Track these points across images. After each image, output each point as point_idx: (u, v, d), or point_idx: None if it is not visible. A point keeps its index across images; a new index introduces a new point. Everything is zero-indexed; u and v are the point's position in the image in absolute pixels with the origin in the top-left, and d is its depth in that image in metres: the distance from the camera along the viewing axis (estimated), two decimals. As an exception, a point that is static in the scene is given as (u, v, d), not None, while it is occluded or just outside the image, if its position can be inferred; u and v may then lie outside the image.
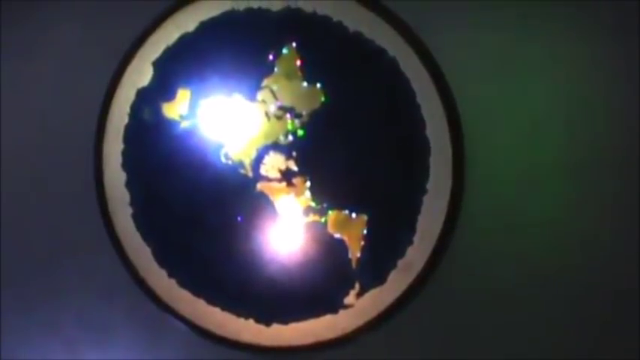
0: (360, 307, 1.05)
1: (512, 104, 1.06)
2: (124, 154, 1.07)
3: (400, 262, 1.04)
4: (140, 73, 1.07)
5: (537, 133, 1.05)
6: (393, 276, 1.04)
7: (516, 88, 1.06)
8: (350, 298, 1.05)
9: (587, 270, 1.05)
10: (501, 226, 1.05)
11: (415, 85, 1.04)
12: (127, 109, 1.07)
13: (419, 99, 1.04)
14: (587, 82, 1.05)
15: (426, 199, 1.04)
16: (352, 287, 1.05)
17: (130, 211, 1.07)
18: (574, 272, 1.05)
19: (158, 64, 1.06)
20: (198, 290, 1.06)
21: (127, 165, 1.07)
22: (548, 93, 1.05)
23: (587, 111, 1.05)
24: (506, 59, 1.06)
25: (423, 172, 1.04)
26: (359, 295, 1.05)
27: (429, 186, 1.04)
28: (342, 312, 1.05)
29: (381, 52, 1.04)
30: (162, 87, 1.06)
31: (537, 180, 1.05)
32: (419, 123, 1.04)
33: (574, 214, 1.05)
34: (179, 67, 1.06)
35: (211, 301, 1.06)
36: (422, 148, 1.04)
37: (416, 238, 1.04)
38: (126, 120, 1.07)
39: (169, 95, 1.06)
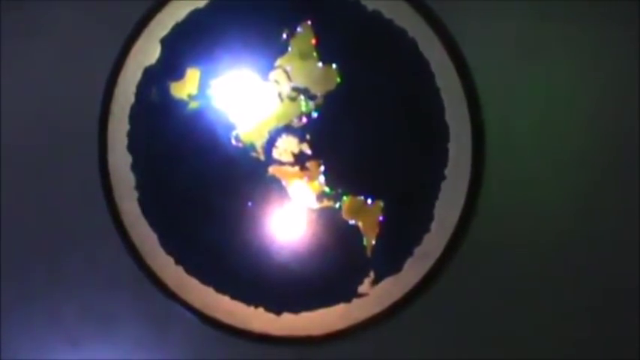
0: (374, 296, 1.02)
1: (535, 90, 1.03)
2: (130, 135, 1.03)
3: (417, 250, 1.01)
4: (147, 52, 1.02)
5: (560, 120, 1.02)
6: (409, 264, 1.01)
7: (539, 73, 1.03)
8: (364, 287, 1.02)
9: (612, 262, 1.02)
10: (521, 213, 1.02)
11: (435, 68, 1.00)
12: (133, 89, 1.02)
13: (438, 82, 1.00)
14: (614, 69, 1.02)
15: (444, 185, 1.01)
16: (367, 275, 1.02)
17: (135, 195, 1.03)
18: (599, 264, 1.02)
19: (166, 42, 1.02)
20: (206, 278, 1.03)
21: (132, 147, 1.03)
22: (572, 78, 1.02)
23: (613, 99, 1.02)
24: (528, 43, 1.03)
25: (442, 158, 1.01)
26: (374, 283, 1.02)
27: (447, 172, 1.01)
28: (355, 301, 1.02)
29: (401, 33, 1.01)
30: (170, 66, 1.02)
31: (559, 167, 1.02)
32: (438, 107, 1.00)
33: (597, 203, 1.02)
34: (188, 45, 1.02)
35: (220, 288, 1.03)
36: (441, 133, 1.01)
37: (433, 226, 1.01)
38: (132, 100, 1.02)
39: (178, 74, 1.02)
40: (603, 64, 1.02)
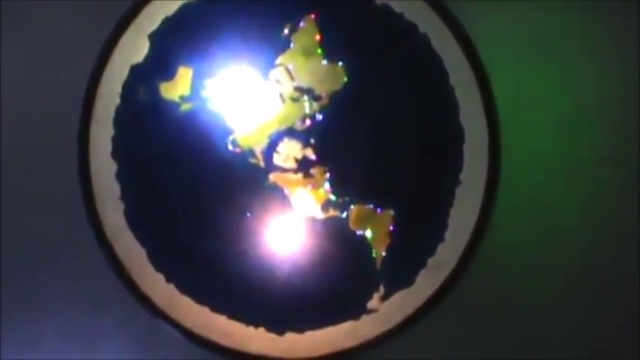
0: (384, 312, 0.95)
1: (553, 89, 0.98)
2: (115, 140, 0.94)
3: (430, 261, 0.95)
4: (134, 48, 0.94)
5: (581, 120, 0.98)
6: (422, 276, 0.95)
7: (557, 72, 0.98)
8: (374, 302, 0.95)
9: (631, 270, 0.98)
10: (540, 221, 0.98)
11: (448, 66, 0.94)
12: (119, 89, 0.94)
13: (452, 81, 0.95)
14: (636, 66, 0.98)
15: (459, 191, 0.95)
16: (376, 290, 0.95)
17: (121, 206, 0.94)
18: (618, 273, 0.98)
19: (155, 37, 0.94)
20: (201, 296, 0.95)
21: (118, 153, 0.94)
22: (592, 77, 0.98)
23: (635, 98, 0.98)
24: (546, 41, 0.98)
25: (457, 162, 0.95)
26: (384, 298, 0.95)
27: (462, 177, 0.95)
28: (364, 317, 0.95)
29: (412, 28, 0.94)
30: (160, 64, 0.94)
31: (581, 170, 0.98)
32: (452, 108, 0.95)
33: (619, 210, 0.98)
34: (180, 41, 0.94)
35: (216, 308, 0.95)
36: (455, 136, 0.95)
37: (448, 235, 0.95)
38: (117, 101, 0.94)
39: (168, 73, 0.94)
40: (631, 60, 0.98)
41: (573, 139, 0.99)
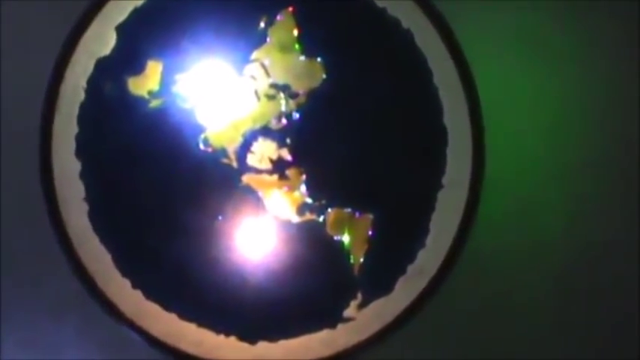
0: (362, 320, 0.92)
1: (539, 91, 0.95)
2: (79, 138, 0.90)
3: (410, 268, 0.92)
4: (100, 40, 0.89)
5: (567, 122, 0.95)
6: (401, 284, 0.92)
7: (544, 73, 0.95)
8: (351, 310, 0.92)
9: (617, 275, 0.95)
10: (525, 226, 0.95)
11: (432, 65, 0.91)
12: (84, 84, 0.89)
13: (436, 80, 0.91)
14: (625, 69, 0.95)
15: (441, 195, 0.92)
16: (353, 297, 0.92)
17: (85, 208, 0.90)
18: (602, 277, 0.95)
19: (123, 29, 0.89)
20: (169, 303, 0.91)
21: (82, 152, 0.90)
22: (580, 80, 0.95)
23: (623, 102, 0.95)
24: (534, 41, 0.95)
25: (439, 165, 0.91)
26: (361, 306, 0.92)
27: (445, 181, 0.91)
28: (341, 326, 0.92)
29: (395, 24, 0.90)
30: (127, 57, 0.90)
31: (565, 176, 0.95)
32: (436, 108, 0.91)
33: (604, 215, 0.95)
34: (149, 33, 0.90)
35: (186, 315, 0.91)
36: (438, 138, 0.91)
37: (429, 240, 0.92)
38: (82, 97, 0.89)
39: (137, 67, 0.90)
40: (619, 62, 0.95)
41: (559, 141, 0.96)
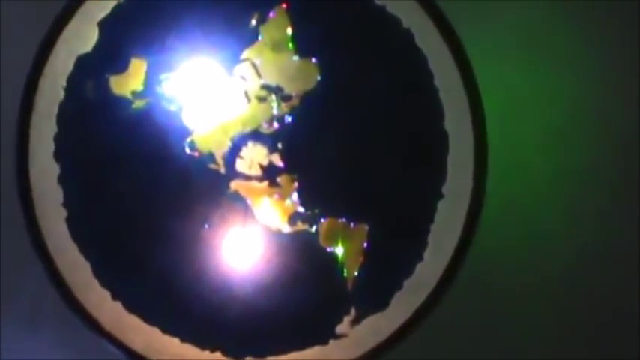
0: (355, 337, 0.87)
1: (545, 95, 0.91)
2: (58, 140, 0.85)
3: (407, 282, 0.87)
4: (81, 36, 0.85)
5: (572, 130, 0.91)
6: (397, 299, 0.87)
7: (549, 76, 0.91)
8: (343, 326, 0.87)
9: (623, 290, 0.91)
10: (528, 238, 0.91)
11: (433, 66, 0.86)
12: (63, 83, 0.85)
13: (437, 82, 0.86)
14: (634, 74, 0.91)
15: (441, 205, 0.87)
16: (347, 312, 0.87)
17: (63, 214, 0.86)
18: (609, 292, 0.91)
19: (105, 25, 0.85)
20: (151, 316, 0.86)
21: (60, 155, 0.86)
22: (586, 84, 0.91)
23: (631, 108, 0.91)
24: (538, 43, 0.91)
25: (440, 173, 0.87)
26: (354, 322, 0.87)
27: (445, 189, 0.87)
28: (332, 343, 0.87)
29: (394, 22, 0.86)
30: (110, 55, 0.85)
31: (571, 182, 0.91)
32: (436, 112, 0.86)
33: (611, 226, 0.91)
34: (133, 29, 0.85)
35: (168, 329, 0.86)
36: (439, 144, 0.87)
37: (427, 253, 0.87)
38: (61, 96, 0.85)
39: (119, 66, 0.85)
40: (629, 67, 0.91)
41: (566, 148, 0.92)
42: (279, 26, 0.86)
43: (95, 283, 0.86)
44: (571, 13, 0.92)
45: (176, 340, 0.86)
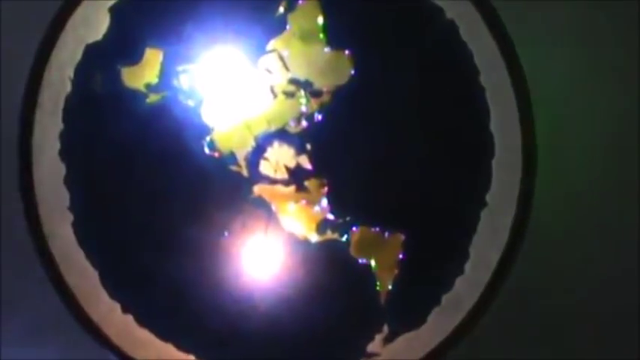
0: (388, 357, 0.84)
1: (600, 97, 0.87)
2: (64, 137, 0.82)
3: (445, 298, 0.83)
4: (90, 23, 0.81)
5: (630, 134, 0.87)
6: (434, 316, 0.83)
7: (605, 76, 0.87)
8: (375, 345, 0.84)
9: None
10: (578, 251, 0.86)
11: (479, 61, 0.81)
12: (70, 74, 0.82)
13: (483, 80, 0.81)
14: None
15: (484, 214, 0.82)
16: (379, 330, 0.84)
17: (69, 218, 0.82)
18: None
19: (118, 12, 0.81)
20: (165, 331, 0.83)
21: (67, 154, 0.82)
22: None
23: None
24: (595, 41, 0.87)
25: (483, 180, 0.82)
26: (387, 340, 0.84)
27: (489, 197, 0.82)
28: None
29: (436, 12, 0.81)
30: (122, 44, 0.82)
31: (623, 192, 0.87)
32: (481, 113, 0.81)
33: None
34: (148, 16, 0.82)
35: (184, 345, 0.83)
36: (483, 147, 0.82)
37: (468, 266, 0.83)
38: (68, 89, 0.82)
39: (133, 56, 0.82)
40: None
41: (622, 156, 0.88)
42: (309, 15, 0.82)
43: (103, 293, 0.83)
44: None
45: (192, 358, 0.83)
